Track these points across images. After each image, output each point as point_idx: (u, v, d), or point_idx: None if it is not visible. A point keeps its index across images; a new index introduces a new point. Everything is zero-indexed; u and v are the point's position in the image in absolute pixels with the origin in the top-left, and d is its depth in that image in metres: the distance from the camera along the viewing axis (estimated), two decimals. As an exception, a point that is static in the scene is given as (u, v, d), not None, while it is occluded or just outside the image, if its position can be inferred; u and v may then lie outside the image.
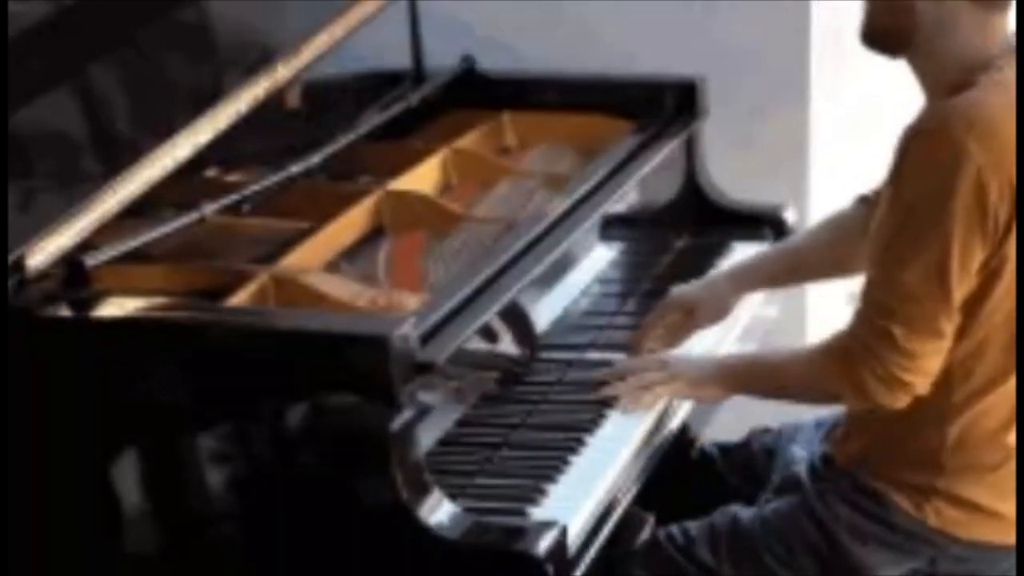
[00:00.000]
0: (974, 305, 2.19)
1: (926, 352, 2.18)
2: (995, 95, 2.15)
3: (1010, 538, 2.28)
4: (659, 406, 2.40)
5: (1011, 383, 2.24)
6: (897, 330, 2.17)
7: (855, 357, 2.21)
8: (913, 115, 2.22)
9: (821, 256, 2.62)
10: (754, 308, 2.81)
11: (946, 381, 2.23)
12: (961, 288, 2.16)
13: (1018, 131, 2.13)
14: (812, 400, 2.38)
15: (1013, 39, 2.24)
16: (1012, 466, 2.26)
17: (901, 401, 2.22)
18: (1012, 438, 2.26)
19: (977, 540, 2.27)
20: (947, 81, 2.19)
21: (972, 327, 2.20)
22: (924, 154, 2.14)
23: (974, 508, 2.26)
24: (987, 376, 2.23)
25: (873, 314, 2.19)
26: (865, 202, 2.54)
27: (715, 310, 2.63)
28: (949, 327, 2.18)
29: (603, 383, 2.42)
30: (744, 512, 2.38)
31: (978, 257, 2.14)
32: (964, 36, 2.19)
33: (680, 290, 2.64)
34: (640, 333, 2.60)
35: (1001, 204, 2.12)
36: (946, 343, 2.19)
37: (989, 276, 2.17)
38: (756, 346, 2.81)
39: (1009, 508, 2.27)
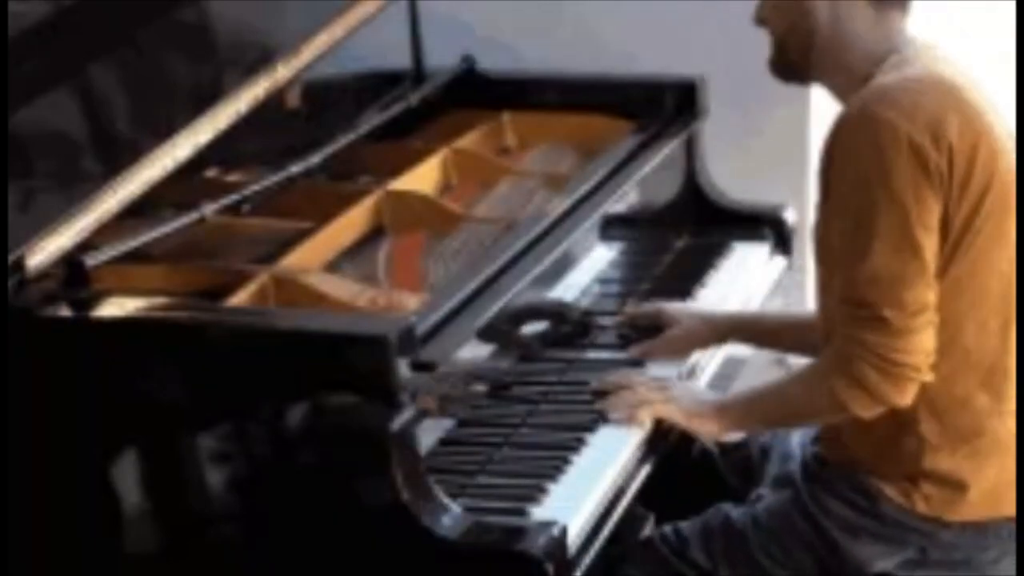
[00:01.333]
0: (943, 268, 2.20)
1: (918, 326, 2.18)
2: (899, 73, 2.22)
3: (995, 512, 2.29)
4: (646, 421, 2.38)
5: (962, 348, 2.24)
6: (887, 312, 2.17)
7: (852, 356, 2.20)
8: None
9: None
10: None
11: None
12: (930, 245, 2.17)
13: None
14: (816, 419, 2.37)
15: (913, 36, 2.30)
16: (988, 437, 2.27)
17: (908, 392, 2.21)
18: (982, 402, 2.26)
19: (965, 520, 2.28)
20: (855, 81, 2.25)
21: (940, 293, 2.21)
22: (854, 143, 2.18)
23: (958, 486, 2.27)
24: (940, 343, 2.22)
25: (857, 310, 2.19)
26: None
27: (684, 339, 2.60)
28: (931, 295, 2.18)
29: (599, 393, 2.40)
30: (736, 511, 2.39)
31: (935, 212, 2.16)
32: (861, 36, 2.27)
33: (667, 306, 2.66)
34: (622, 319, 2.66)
35: (940, 156, 2.15)
36: (932, 314, 2.19)
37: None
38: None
39: (989, 480, 2.27)
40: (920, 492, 2.28)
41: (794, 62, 2.34)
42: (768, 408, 2.38)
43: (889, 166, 2.14)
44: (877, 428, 2.27)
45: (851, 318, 2.21)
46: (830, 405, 2.26)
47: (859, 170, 2.17)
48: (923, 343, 2.19)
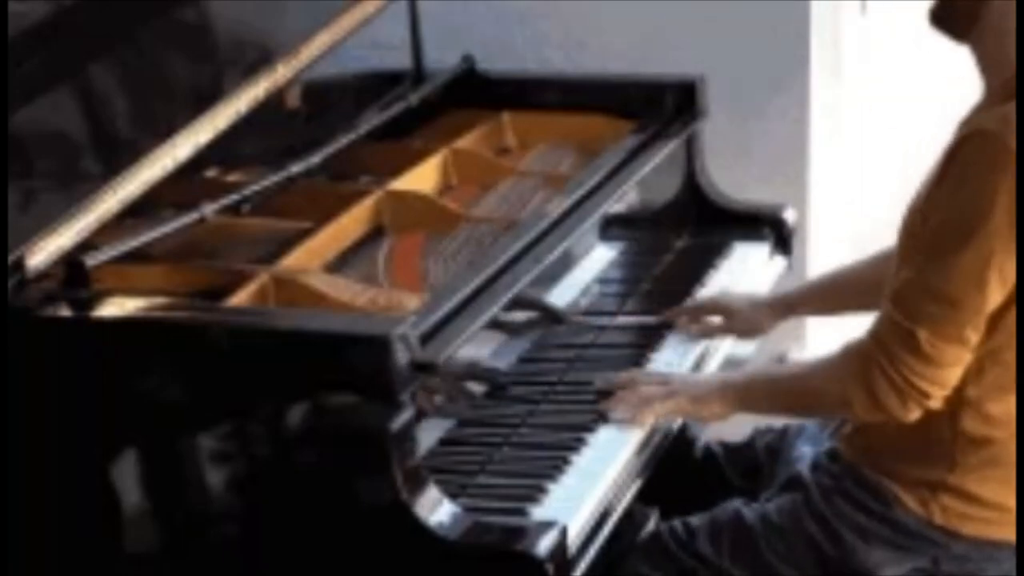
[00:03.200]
0: (1000, 312, 2.17)
1: (947, 361, 2.17)
2: None
3: (1012, 534, 2.27)
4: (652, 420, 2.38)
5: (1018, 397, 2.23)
6: (922, 333, 2.15)
7: (872, 359, 2.20)
8: (968, 115, 2.20)
9: (868, 287, 2.59)
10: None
11: (962, 377, 2.21)
12: (996, 297, 2.14)
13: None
14: (819, 411, 2.37)
15: None
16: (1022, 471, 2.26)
17: (912, 412, 2.21)
18: None
19: (980, 536, 2.27)
20: (1006, 76, 2.18)
21: (992, 332, 2.18)
22: (978, 156, 2.13)
23: (982, 503, 2.26)
24: (1004, 376, 2.21)
25: (900, 316, 2.18)
26: None
27: (749, 324, 2.67)
28: (975, 337, 2.17)
29: (602, 394, 2.40)
30: (747, 508, 2.38)
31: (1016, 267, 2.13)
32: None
33: (726, 294, 2.71)
34: (675, 311, 2.68)
35: None
36: (967, 354, 2.18)
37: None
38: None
39: (1011, 502, 2.26)
40: (938, 502, 2.27)
41: (954, 30, 2.23)
42: (776, 390, 2.38)
43: (1000, 199, 2.10)
44: (909, 441, 2.26)
45: (890, 321, 2.19)
46: (838, 398, 2.26)
47: (975, 190, 2.12)
48: (945, 377, 2.18)
